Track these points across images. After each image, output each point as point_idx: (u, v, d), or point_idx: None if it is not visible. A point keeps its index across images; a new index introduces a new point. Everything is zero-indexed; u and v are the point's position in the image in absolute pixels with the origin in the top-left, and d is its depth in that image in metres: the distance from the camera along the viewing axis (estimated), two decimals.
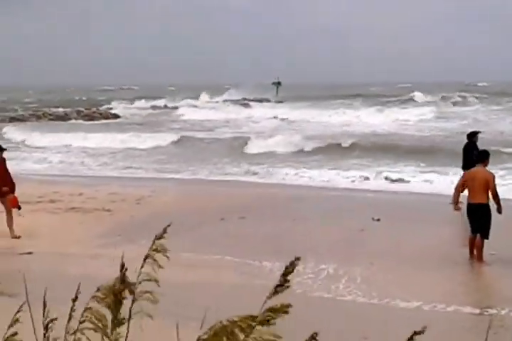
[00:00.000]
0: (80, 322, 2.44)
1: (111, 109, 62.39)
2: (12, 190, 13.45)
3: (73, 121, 51.52)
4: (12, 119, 52.21)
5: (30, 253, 11.77)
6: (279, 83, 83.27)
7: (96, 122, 50.93)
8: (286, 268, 2.00)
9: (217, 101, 70.45)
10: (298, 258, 2.04)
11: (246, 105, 62.45)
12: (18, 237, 13.05)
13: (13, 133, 39.08)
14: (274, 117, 49.41)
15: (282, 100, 70.50)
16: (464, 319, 8.56)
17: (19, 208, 13.56)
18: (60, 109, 59.79)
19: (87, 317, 2.44)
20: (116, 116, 55.90)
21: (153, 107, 66.41)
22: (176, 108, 60.64)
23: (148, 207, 16.22)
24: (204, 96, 75.88)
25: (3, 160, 13.54)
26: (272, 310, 1.87)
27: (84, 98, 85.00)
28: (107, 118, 54.55)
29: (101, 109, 60.36)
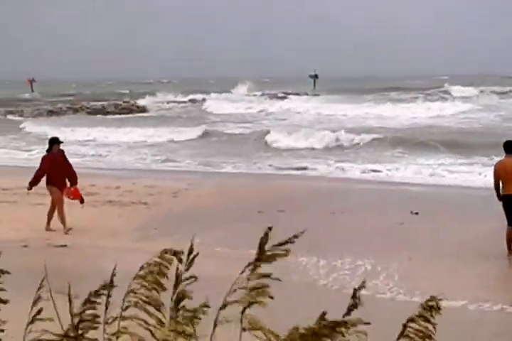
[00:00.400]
0: (123, 309, 2.31)
1: (138, 104, 62.23)
2: (74, 181, 13.45)
3: (110, 116, 51.62)
4: (50, 113, 52.76)
5: (64, 245, 11.79)
6: (316, 76, 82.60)
7: (130, 115, 51.20)
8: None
9: (254, 94, 70.24)
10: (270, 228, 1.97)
11: (283, 98, 62.17)
12: (53, 230, 13.12)
13: (41, 127, 38.76)
14: (310, 110, 49.06)
15: (319, 93, 70.09)
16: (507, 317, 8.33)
17: (82, 201, 13.57)
18: (98, 103, 60.25)
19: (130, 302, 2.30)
20: (144, 110, 56.05)
21: (192, 100, 66.36)
22: (211, 101, 60.44)
23: (185, 200, 16.16)
24: (241, 89, 75.61)
25: (62, 152, 13.52)
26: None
27: (125, 91, 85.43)
28: (141, 111, 54.81)
29: (134, 102, 60.44)
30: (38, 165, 13.81)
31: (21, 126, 40.42)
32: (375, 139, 28.51)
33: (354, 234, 12.50)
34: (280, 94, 67.12)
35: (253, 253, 9.00)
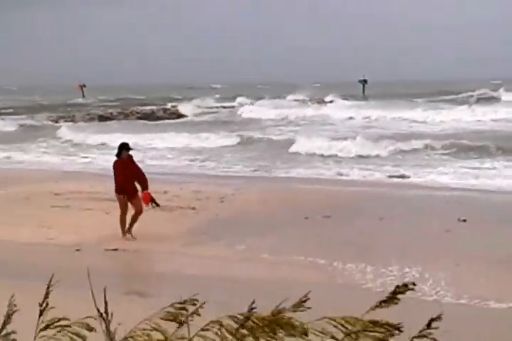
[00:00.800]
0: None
1: (179, 109, 62.50)
2: (145, 186, 13.23)
3: (158, 121, 52.10)
4: (101, 118, 53.57)
5: (115, 249, 11.98)
6: (365, 81, 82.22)
7: (172, 121, 51.83)
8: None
9: (301, 100, 70.10)
10: None
11: (327, 103, 62.01)
12: (135, 238, 13.00)
13: (90, 134, 38.78)
14: (352, 117, 48.70)
15: (369, 98, 69.79)
16: None
17: (157, 204, 13.36)
18: (147, 107, 61.04)
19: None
20: (183, 115, 56.50)
21: (233, 106, 66.35)
22: (250, 106, 60.41)
23: (232, 205, 16.28)
24: (295, 95, 75.36)
25: (131, 157, 13.45)
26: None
27: (178, 96, 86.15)
28: (181, 117, 55.36)
29: (176, 108, 60.90)
30: (87, 170, 14.06)
31: (62, 131, 40.92)
32: (423, 144, 28.28)
33: (402, 241, 12.44)
34: (327, 99, 66.94)
35: (298, 259, 9.10)
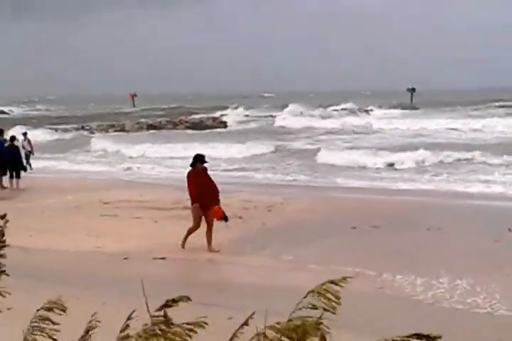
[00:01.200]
0: None
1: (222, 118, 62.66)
2: (216, 201, 12.93)
3: (201, 131, 52.45)
4: (149, 127, 54.14)
5: (163, 258, 12.01)
6: (413, 89, 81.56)
7: (217, 130, 52.26)
8: None
9: (343, 109, 69.59)
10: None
11: (378, 111, 61.68)
12: (217, 251, 12.66)
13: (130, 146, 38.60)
14: (399, 126, 48.12)
15: (417, 107, 69.17)
16: None
17: (226, 220, 12.93)
18: (197, 116, 61.56)
19: None
20: (226, 125, 56.86)
21: (284, 114, 66.16)
22: (286, 115, 60.22)
23: (279, 214, 16.23)
24: (342, 104, 75.12)
25: (205, 169, 13.14)
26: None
27: (234, 105, 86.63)
28: (224, 126, 55.72)
29: (220, 117, 61.20)
30: (135, 179, 14.13)
31: (109, 140, 41.34)
32: (474, 153, 27.91)
33: (450, 251, 12.24)
34: (376, 108, 66.51)
35: (346, 269, 8.95)
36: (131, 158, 34.25)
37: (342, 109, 68.63)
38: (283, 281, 10.49)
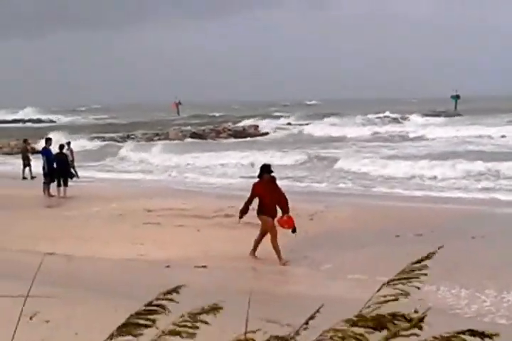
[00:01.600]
0: None
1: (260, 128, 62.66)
2: (286, 210, 12.82)
3: (242, 138, 52.70)
4: (193, 135, 54.55)
5: (204, 266, 12.07)
6: (457, 96, 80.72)
7: (262, 138, 52.57)
8: None
9: (386, 116, 69.11)
10: None
11: (416, 119, 61.31)
12: (285, 263, 12.43)
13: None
14: (444, 134, 47.60)
15: (461, 114, 68.46)
16: None
17: (294, 230, 12.83)
18: (240, 124, 61.93)
19: None
20: (265, 133, 56.89)
21: (323, 121, 65.84)
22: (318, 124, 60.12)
23: (321, 222, 16.18)
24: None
25: (273, 179, 13.00)
26: None
27: (280, 113, 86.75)
28: (262, 134, 55.92)
29: (256, 126, 61.32)
30: (177, 187, 14.24)
31: (155, 149, 41.63)
32: None
33: (494, 261, 12.06)
34: (412, 115, 66.02)
35: (386, 279, 8.78)
36: (172, 166, 34.52)
37: (385, 117, 68.29)
38: (323, 291, 10.47)
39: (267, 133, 57.10)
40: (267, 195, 12.68)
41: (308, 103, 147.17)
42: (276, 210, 12.82)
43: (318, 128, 56.46)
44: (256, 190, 12.81)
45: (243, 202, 13.04)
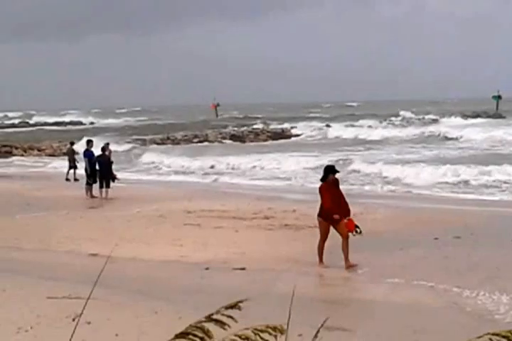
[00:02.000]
0: None
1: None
2: (347, 213, 12.52)
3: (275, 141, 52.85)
4: (232, 137, 54.87)
5: (243, 268, 12.16)
6: (499, 97, 79.68)
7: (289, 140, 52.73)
8: None
9: (432, 118, 68.59)
10: None
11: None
12: (354, 266, 12.23)
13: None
14: (486, 135, 46.91)
15: (503, 115, 67.62)
16: None
17: (357, 232, 12.50)
18: (279, 126, 62.12)
19: None
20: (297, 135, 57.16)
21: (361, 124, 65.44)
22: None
23: (359, 224, 16.14)
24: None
25: (337, 181, 12.74)
26: None
27: (309, 114, 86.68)
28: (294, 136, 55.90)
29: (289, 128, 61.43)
30: (216, 189, 14.32)
31: (191, 151, 41.93)
32: None
33: None
34: (450, 117, 65.45)
35: (423, 284, 8.79)
36: (210, 168, 34.77)
37: (421, 118, 67.77)
38: (361, 295, 10.52)
39: (302, 135, 57.19)
40: (331, 198, 12.34)
41: (349, 104, 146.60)
42: (339, 213, 12.33)
43: (353, 130, 56.44)
44: (325, 192, 12.39)
45: (318, 206, 12.61)
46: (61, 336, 2.36)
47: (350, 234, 12.44)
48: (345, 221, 12.44)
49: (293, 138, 55.30)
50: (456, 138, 46.53)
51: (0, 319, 8.60)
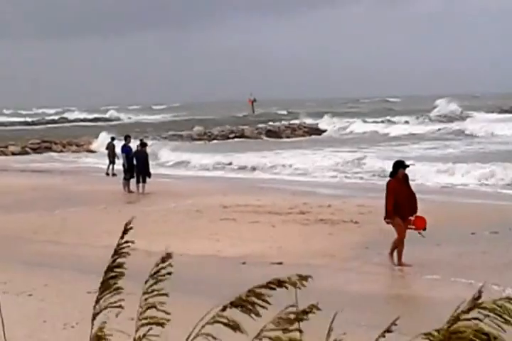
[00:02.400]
0: None
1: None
2: (415, 210, 12.05)
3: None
4: (268, 132, 54.90)
5: (280, 263, 12.23)
6: None
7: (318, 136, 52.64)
8: None
9: (443, 116, 67.68)
10: None
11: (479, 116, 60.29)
12: (409, 265, 11.83)
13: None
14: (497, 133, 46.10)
15: None
16: None
17: (424, 229, 12.08)
18: (314, 121, 61.97)
19: None
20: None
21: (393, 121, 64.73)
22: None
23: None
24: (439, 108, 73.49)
25: (406, 177, 12.23)
26: None
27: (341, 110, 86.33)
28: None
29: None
30: (251, 183, 14.34)
31: (228, 147, 41.97)
32: None
33: None
34: (474, 112, 64.68)
35: (462, 281, 8.72)
36: (244, 163, 34.79)
37: (444, 116, 66.89)
38: (398, 291, 10.49)
39: (330, 130, 57.09)
40: (401, 193, 11.86)
41: (390, 100, 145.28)
42: (409, 210, 11.99)
43: (384, 126, 56.40)
44: (393, 189, 11.88)
45: (385, 204, 12.05)
46: (106, 332, 2.37)
47: (417, 232, 11.99)
48: (414, 218, 11.99)
49: (324, 134, 55.13)
50: (485, 135, 45.81)
51: (46, 314, 8.77)
